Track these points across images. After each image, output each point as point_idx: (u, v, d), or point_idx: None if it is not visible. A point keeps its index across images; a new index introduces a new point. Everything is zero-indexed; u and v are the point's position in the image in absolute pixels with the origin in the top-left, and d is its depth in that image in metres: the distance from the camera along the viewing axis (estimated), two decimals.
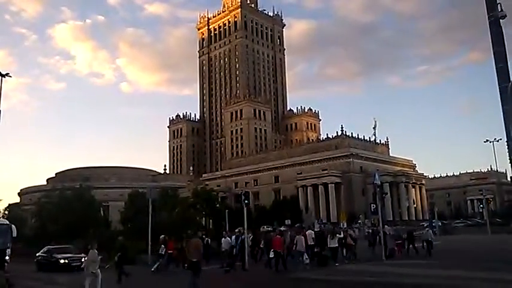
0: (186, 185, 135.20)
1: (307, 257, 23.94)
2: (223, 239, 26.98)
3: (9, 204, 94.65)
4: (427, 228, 36.27)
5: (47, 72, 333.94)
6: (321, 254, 25.36)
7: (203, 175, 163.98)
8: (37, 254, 33.11)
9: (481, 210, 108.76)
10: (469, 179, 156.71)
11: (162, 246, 26.21)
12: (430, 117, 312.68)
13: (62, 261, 29.12)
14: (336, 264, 24.99)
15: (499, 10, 12.59)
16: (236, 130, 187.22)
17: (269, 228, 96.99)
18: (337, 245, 25.78)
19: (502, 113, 13.30)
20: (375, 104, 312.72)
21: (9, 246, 24.91)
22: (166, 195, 67.24)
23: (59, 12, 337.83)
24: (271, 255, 23.39)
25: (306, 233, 26.00)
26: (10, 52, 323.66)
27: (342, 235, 27.68)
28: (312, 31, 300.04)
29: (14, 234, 25.84)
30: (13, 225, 26.49)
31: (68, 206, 51.24)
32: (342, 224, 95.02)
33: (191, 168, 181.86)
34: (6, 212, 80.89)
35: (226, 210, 67.21)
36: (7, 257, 23.58)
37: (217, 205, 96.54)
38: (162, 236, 26.97)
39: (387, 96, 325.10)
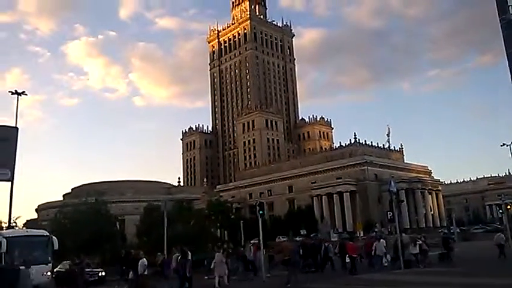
0: (201, 196, 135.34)
1: (386, 259, 27.70)
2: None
3: (27, 221, 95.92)
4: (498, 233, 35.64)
5: (61, 89, 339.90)
6: (398, 259, 27.46)
7: (217, 186, 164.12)
8: (55, 270, 33.25)
9: (500, 216, 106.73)
10: (486, 184, 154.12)
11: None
12: (444, 122, 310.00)
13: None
14: (420, 266, 26.77)
15: (511, 13, 12.48)
16: (249, 141, 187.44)
17: (284, 239, 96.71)
18: (418, 251, 27.68)
19: None
20: (388, 111, 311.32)
21: (51, 260, 23.87)
22: (181, 207, 67.44)
23: (72, 30, 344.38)
24: (347, 260, 26.22)
25: (381, 241, 28.88)
26: (25, 70, 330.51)
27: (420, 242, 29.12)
28: (322, 39, 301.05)
29: (56, 246, 24.77)
30: (54, 237, 26.04)
31: (84, 220, 51.63)
32: (358, 232, 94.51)
33: (205, 180, 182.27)
34: (25, 228, 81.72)
35: (241, 221, 66.92)
36: (48, 273, 22.07)
37: (232, 216, 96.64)
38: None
39: (400, 102, 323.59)
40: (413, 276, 22.95)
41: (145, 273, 22.15)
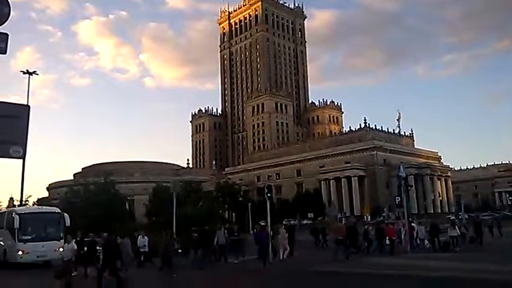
0: (209, 178, 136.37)
1: (427, 242, 29.52)
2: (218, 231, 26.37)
3: (38, 199, 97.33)
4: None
5: (72, 69, 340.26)
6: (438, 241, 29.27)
7: (225, 169, 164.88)
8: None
9: (509, 203, 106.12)
10: (497, 171, 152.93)
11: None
12: (457, 107, 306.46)
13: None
14: (456, 248, 27.69)
15: None
16: (258, 124, 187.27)
17: (291, 222, 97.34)
18: (456, 234, 28.76)
19: None
20: (400, 95, 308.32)
21: (63, 236, 24.27)
22: (189, 189, 68.06)
23: (83, 9, 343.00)
24: (387, 242, 27.85)
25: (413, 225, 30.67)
26: (36, 49, 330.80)
27: (459, 229, 30.18)
28: (335, 21, 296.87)
29: (68, 223, 25.51)
30: (65, 214, 26.34)
31: (94, 200, 52.31)
32: (365, 217, 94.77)
33: (213, 162, 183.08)
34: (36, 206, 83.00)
35: (249, 204, 67.33)
36: (60, 249, 22.05)
37: (240, 198, 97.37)
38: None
39: (412, 87, 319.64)
40: (426, 261, 22.94)
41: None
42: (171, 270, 20.94)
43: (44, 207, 34.31)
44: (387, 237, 27.99)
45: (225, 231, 26.63)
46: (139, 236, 25.83)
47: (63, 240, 23.04)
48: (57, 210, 26.76)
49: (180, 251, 26.83)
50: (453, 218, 55.72)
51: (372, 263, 23.08)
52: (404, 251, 27.05)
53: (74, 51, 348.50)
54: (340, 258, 23.55)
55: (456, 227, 29.75)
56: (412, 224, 30.51)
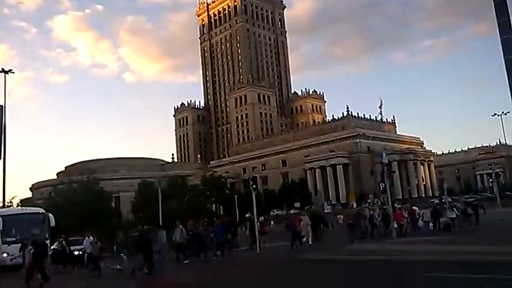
0: (195, 172, 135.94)
1: (431, 225, 31.16)
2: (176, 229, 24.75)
3: (22, 200, 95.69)
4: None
5: (50, 65, 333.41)
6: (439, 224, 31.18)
7: (211, 162, 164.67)
8: (51, 247, 33.43)
9: (490, 185, 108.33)
10: (478, 154, 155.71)
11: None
12: (437, 93, 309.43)
13: (76, 252, 29.44)
14: (456, 229, 29.71)
15: None
16: (241, 116, 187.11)
17: (279, 212, 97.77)
18: (454, 216, 30.76)
19: (508, 86, 13.15)
20: (381, 82, 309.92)
21: (47, 237, 24.10)
22: (175, 183, 67.83)
23: (58, 3, 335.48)
24: (395, 226, 28.98)
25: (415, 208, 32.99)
26: (11, 46, 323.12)
27: (459, 208, 32.25)
28: (315, 9, 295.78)
29: (52, 223, 25.24)
30: (50, 214, 26.08)
31: (78, 198, 51.76)
32: (351, 204, 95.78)
33: (199, 156, 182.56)
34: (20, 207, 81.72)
35: (236, 196, 67.48)
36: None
37: (227, 191, 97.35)
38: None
39: (394, 73, 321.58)
40: (403, 245, 23.38)
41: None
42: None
43: (27, 208, 33.84)
44: (395, 221, 29.35)
45: (182, 228, 24.26)
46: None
47: (48, 241, 22.83)
48: (42, 210, 26.43)
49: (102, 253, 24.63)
50: (437, 201, 57.37)
51: (361, 249, 23.39)
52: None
53: (51, 48, 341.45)
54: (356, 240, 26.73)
55: (454, 209, 31.71)
56: (414, 208, 32.73)
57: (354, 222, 29.42)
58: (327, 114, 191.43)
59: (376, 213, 32.12)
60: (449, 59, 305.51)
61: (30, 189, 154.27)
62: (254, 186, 25.64)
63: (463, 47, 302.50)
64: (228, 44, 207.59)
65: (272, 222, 66.48)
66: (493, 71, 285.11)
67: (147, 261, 19.16)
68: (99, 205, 52.50)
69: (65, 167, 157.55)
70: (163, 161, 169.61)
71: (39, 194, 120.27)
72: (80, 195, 52.89)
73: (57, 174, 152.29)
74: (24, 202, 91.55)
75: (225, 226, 25.53)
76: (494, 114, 73.36)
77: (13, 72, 30.62)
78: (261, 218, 78.23)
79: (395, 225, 29.02)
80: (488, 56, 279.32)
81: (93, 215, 46.88)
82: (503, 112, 71.68)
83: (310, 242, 27.20)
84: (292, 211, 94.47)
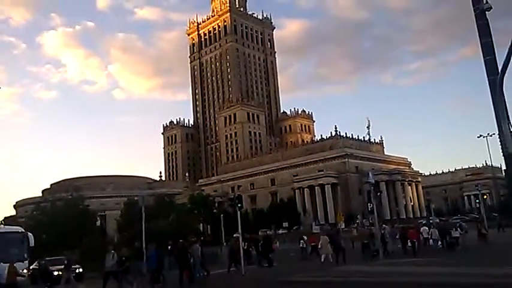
0: (183, 191, 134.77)
1: (440, 243, 33.21)
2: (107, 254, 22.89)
3: (5, 218, 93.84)
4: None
5: (38, 81, 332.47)
6: (446, 242, 33.32)
7: (199, 180, 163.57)
8: (30, 267, 32.52)
9: (477, 206, 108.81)
10: (464, 175, 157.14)
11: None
12: (424, 114, 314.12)
13: (55, 273, 28.70)
14: (459, 247, 32.21)
15: (484, 2, 12.48)
16: (230, 134, 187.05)
17: (268, 232, 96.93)
18: (458, 235, 33.12)
19: (492, 107, 13.13)
20: (369, 103, 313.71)
21: (27, 257, 23.28)
22: (162, 202, 66.96)
23: (48, 19, 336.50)
24: (409, 244, 30.88)
25: (421, 228, 35.42)
26: None
27: (460, 230, 34.53)
28: (304, 31, 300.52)
29: (32, 243, 24.19)
30: (29, 234, 25.38)
31: (61, 216, 50.74)
32: (339, 224, 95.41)
33: (187, 174, 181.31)
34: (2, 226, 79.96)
35: (221, 215, 66.69)
36: (25, 270, 21.42)
37: (214, 210, 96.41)
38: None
39: (381, 95, 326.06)
40: (391, 267, 23.14)
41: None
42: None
43: (6, 226, 32.95)
44: (408, 239, 31.21)
45: (114, 254, 22.62)
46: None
47: (27, 262, 22.14)
48: (20, 229, 25.63)
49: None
50: (424, 222, 58.41)
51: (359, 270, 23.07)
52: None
53: (40, 63, 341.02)
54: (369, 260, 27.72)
55: (458, 229, 34.24)
56: (424, 227, 35.63)
57: (369, 242, 30.66)
58: (315, 134, 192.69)
59: (387, 231, 33.64)
60: (436, 81, 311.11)
61: (14, 206, 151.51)
62: (239, 205, 25.28)
63: (450, 69, 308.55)
64: (217, 63, 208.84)
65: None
66: (478, 92, 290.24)
67: (186, 272, 21.87)
68: (82, 223, 51.48)
69: (50, 185, 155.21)
70: (151, 179, 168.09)
71: (23, 211, 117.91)
72: (63, 213, 51.84)
73: (43, 191, 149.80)
74: (7, 220, 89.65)
75: (158, 252, 23.20)
76: (480, 135, 74.21)
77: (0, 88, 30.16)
78: (269, 232, 77.24)
79: (409, 243, 31.02)
80: (474, 77, 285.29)
81: (75, 232, 45.89)
82: (488, 134, 72.50)
83: (331, 260, 27.36)
84: (280, 231, 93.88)
